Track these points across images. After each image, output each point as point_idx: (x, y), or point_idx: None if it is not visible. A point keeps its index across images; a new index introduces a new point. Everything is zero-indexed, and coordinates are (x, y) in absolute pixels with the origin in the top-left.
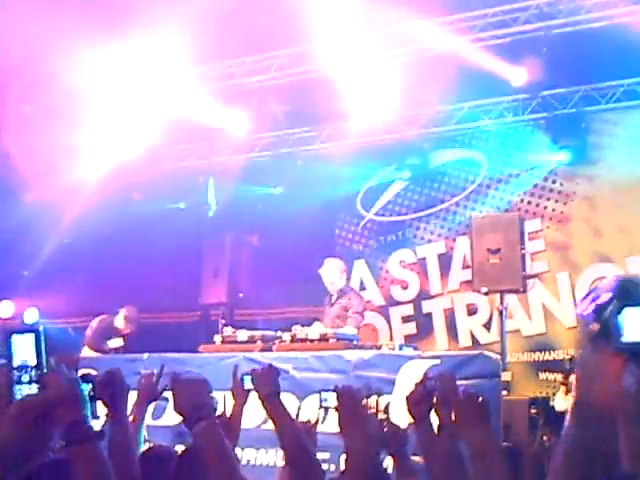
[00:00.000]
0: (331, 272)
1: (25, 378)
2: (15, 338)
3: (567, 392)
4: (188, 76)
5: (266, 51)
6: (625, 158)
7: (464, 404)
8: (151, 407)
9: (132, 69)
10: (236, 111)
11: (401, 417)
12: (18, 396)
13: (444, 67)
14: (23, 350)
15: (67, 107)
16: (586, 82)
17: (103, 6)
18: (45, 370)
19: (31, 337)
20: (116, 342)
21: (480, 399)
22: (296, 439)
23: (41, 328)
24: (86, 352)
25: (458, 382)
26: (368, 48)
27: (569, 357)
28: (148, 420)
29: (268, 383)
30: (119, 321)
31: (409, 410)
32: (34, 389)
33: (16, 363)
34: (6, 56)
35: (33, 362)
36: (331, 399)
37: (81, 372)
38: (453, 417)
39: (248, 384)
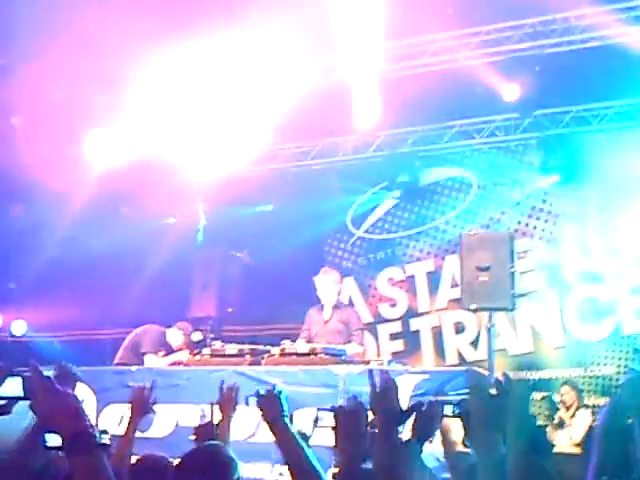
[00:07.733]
0: (326, 281)
1: None
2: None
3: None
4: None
5: None
6: (615, 179)
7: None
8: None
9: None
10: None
11: None
12: None
13: (436, 85)
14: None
15: (56, 119)
16: (577, 103)
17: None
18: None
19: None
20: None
21: None
22: (302, 460)
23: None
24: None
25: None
26: (360, 65)
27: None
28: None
29: (273, 407)
30: (175, 337)
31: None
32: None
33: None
34: None
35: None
36: (327, 418)
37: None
38: None
39: (252, 405)
